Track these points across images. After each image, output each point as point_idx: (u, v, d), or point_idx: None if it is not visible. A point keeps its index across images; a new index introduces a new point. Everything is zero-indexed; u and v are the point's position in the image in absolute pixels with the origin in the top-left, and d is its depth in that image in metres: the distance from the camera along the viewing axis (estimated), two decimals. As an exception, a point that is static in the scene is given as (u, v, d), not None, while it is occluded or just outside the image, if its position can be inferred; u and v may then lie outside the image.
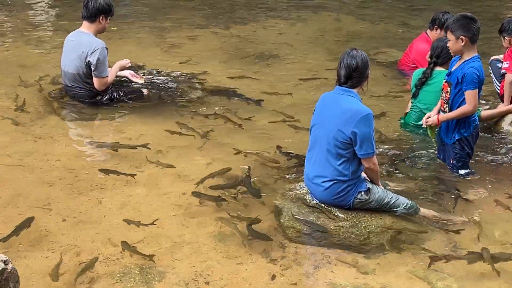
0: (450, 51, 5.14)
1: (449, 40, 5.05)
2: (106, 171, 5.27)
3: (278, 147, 5.82)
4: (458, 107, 5.08)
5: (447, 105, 5.18)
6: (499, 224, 4.77)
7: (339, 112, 4.38)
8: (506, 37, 6.56)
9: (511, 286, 4.06)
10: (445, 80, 5.23)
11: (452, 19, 5.08)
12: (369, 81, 4.52)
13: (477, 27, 4.98)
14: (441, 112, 5.28)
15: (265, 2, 12.09)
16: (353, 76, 4.37)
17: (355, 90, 4.44)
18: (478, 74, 4.94)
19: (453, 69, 5.15)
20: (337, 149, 4.38)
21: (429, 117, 5.31)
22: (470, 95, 4.97)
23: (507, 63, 6.49)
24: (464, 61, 5.03)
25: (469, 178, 5.29)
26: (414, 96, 6.07)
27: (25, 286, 3.63)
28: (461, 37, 4.94)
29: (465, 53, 5.02)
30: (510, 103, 6.43)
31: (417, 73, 6.15)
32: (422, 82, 5.97)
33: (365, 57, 4.39)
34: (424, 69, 6.09)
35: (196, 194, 4.93)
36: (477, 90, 4.99)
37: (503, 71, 6.57)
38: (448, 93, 5.15)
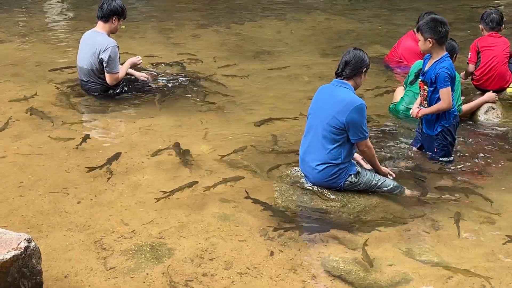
0: (420, 50, 5.15)
1: (419, 41, 5.05)
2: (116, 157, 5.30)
3: (274, 136, 5.84)
4: (434, 102, 5.09)
5: (426, 101, 5.20)
6: (475, 202, 4.80)
7: (335, 101, 4.45)
8: (480, 26, 6.55)
9: (485, 255, 4.09)
10: (420, 80, 5.22)
11: (423, 21, 5.04)
12: (364, 79, 4.63)
13: (445, 30, 4.96)
14: (421, 107, 5.29)
15: (262, 4, 12.05)
16: (346, 68, 4.48)
17: (350, 83, 4.50)
18: (449, 73, 4.94)
19: (425, 68, 5.14)
20: (332, 135, 4.42)
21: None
22: (443, 92, 4.98)
23: (470, 54, 6.52)
24: (435, 61, 5.03)
25: (446, 165, 5.29)
26: (411, 83, 6.04)
27: (45, 261, 3.64)
28: (428, 39, 4.94)
29: (434, 53, 5.02)
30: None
31: (419, 64, 6.05)
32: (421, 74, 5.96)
33: (361, 55, 4.52)
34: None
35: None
36: (449, 87, 4.98)
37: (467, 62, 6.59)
38: (425, 91, 5.16)
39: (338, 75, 4.56)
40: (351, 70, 4.49)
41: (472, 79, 6.61)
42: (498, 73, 6.54)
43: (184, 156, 5.36)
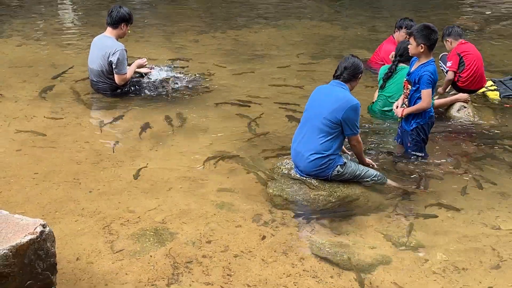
0: (409, 53, 5.14)
1: (410, 44, 5.03)
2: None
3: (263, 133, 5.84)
4: (414, 101, 5.08)
5: (407, 99, 5.20)
6: (447, 192, 4.82)
7: (334, 98, 4.51)
8: (448, 39, 6.57)
9: (457, 240, 4.11)
10: (406, 79, 5.23)
11: (417, 28, 5.00)
12: (358, 83, 4.73)
13: (436, 38, 4.97)
14: (403, 105, 5.29)
15: (256, 11, 12.02)
16: (344, 73, 4.57)
17: (347, 85, 4.59)
18: (432, 76, 4.93)
19: (412, 69, 5.14)
20: (327, 128, 4.46)
21: (397, 107, 5.32)
22: (424, 93, 4.97)
23: (450, 62, 6.51)
24: (421, 64, 5.02)
25: (422, 159, 5.29)
26: (382, 87, 6.08)
27: (59, 244, 3.63)
28: (421, 44, 4.93)
29: (422, 57, 5.01)
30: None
31: (384, 69, 6.15)
32: (388, 76, 5.99)
33: (358, 63, 4.63)
34: (389, 65, 6.10)
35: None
36: (430, 89, 4.98)
37: (447, 69, 6.58)
38: (408, 90, 5.16)
39: (336, 77, 4.63)
40: (348, 75, 4.58)
41: (456, 82, 6.57)
42: (480, 74, 6.57)
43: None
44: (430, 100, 5.03)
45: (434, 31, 4.95)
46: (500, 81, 7.12)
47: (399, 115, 5.21)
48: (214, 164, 5.13)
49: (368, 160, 4.85)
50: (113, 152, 5.35)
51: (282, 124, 6.06)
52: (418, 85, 5.00)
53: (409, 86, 5.13)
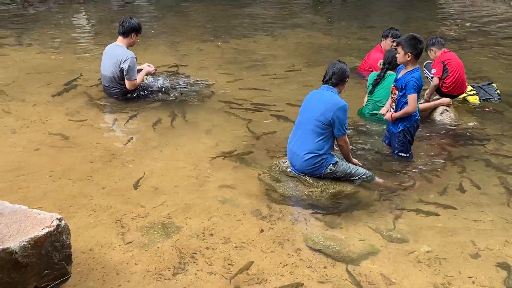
0: (397, 61, 5.12)
1: (398, 53, 5.02)
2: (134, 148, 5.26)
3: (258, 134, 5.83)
4: (401, 105, 5.08)
5: (394, 103, 5.20)
6: (431, 189, 4.81)
7: (323, 101, 4.51)
8: (432, 49, 6.57)
9: (438, 233, 4.10)
10: (393, 85, 5.22)
11: (404, 38, 4.98)
12: (346, 87, 4.71)
13: (422, 47, 4.98)
14: (391, 109, 5.29)
15: (255, 22, 12.02)
16: (332, 78, 4.57)
17: (336, 89, 4.58)
18: (418, 82, 4.94)
19: (399, 76, 5.14)
20: (319, 129, 4.46)
21: (387, 111, 5.30)
22: (410, 98, 4.98)
23: (435, 69, 6.51)
24: (408, 71, 5.01)
25: (408, 159, 5.28)
26: (371, 93, 6.07)
27: (74, 237, 3.62)
28: (408, 53, 4.93)
29: (409, 65, 5.00)
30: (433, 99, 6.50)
31: (373, 75, 6.14)
32: (377, 82, 5.98)
33: (345, 68, 4.62)
34: (378, 72, 6.10)
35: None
36: (416, 94, 4.98)
37: (431, 75, 6.58)
38: (395, 95, 5.15)
39: (325, 82, 4.62)
40: (336, 79, 4.58)
41: (441, 87, 6.57)
42: (462, 80, 6.58)
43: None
44: (415, 105, 5.03)
45: (420, 41, 4.95)
46: (479, 86, 7.13)
47: (389, 119, 5.20)
48: (216, 163, 5.12)
49: (354, 160, 4.83)
50: (128, 142, 5.46)
51: (278, 126, 6.05)
52: (404, 91, 4.99)
53: (396, 92, 5.12)
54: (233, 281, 3.49)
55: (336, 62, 4.67)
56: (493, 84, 7.19)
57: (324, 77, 4.63)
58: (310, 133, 4.51)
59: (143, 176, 4.63)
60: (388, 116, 5.19)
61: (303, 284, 3.50)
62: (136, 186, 4.61)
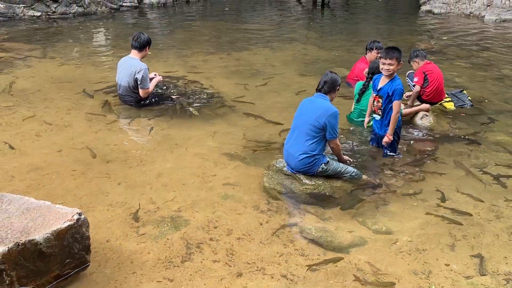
0: (387, 70, 5.01)
1: (392, 65, 4.96)
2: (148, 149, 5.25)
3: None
4: (387, 111, 5.10)
5: (380, 110, 5.19)
6: (412, 184, 4.81)
7: (317, 108, 4.53)
8: (415, 60, 6.58)
9: (419, 225, 4.09)
10: (376, 94, 5.20)
11: (396, 51, 4.98)
12: (337, 94, 4.74)
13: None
14: (374, 114, 5.28)
15: (255, 37, 12.01)
16: (324, 86, 4.60)
17: (328, 96, 4.61)
18: (403, 90, 5.02)
19: (380, 85, 5.12)
20: (312, 132, 4.48)
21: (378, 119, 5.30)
22: (396, 104, 5.03)
23: (416, 78, 6.52)
24: (390, 80, 5.02)
25: (395, 157, 5.28)
26: (358, 101, 6.05)
27: (92, 229, 3.62)
28: (400, 62, 4.99)
29: (392, 74, 5.03)
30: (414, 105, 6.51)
31: (359, 85, 6.14)
32: (363, 91, 5.96)
33: (335, 77, 4.64)
34: (363, 82, 6.08)
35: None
36: (401, 100, 5.03)
37: (413, 83, 6.59)
38: (379, 103, 5.16)
39: (318, 90, 4.64)
40: (328, 88, 4.60)
41: (422, 95, 6.57)
42: (441, 89, 6.59)
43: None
44: (399, 109, 5.08)
45: (400, 50, 5.06)
46: (452, 93, 7.10)
47: (388, 142, 5.15)
48: (220, 163, 5.11)
49: (345, 157, 4.85)
50: (141, 144, 5.47)
51: (277, 130, 6.04)
52: (390, 98, 5.00)
53: (380, 100, 5.12)
54: (235, 268, 3.49)
55: (328, 72, 4.70)
56: (464, 92, 7.20)
57: (318, 85, 4.66)
58: (304, 136, 4.51)
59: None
60: (386, 140, 5.16)
61: (394, 283, 3.42)
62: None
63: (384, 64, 5.01)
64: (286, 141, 4.73)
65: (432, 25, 14.35)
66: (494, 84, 8.22)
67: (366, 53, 7.26)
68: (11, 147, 5.26)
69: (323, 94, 4.61)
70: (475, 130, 6.22)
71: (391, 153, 5.27)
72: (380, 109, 5.18)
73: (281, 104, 6.97)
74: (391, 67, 4.99)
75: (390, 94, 5.00)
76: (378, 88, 5.15)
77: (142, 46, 6.39)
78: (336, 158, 4.84)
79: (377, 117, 5.26)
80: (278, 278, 3.42)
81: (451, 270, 3.57)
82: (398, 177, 4.93)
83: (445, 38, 12.13)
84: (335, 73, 4.68)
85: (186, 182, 4.70)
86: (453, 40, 11.82)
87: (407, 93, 6.65)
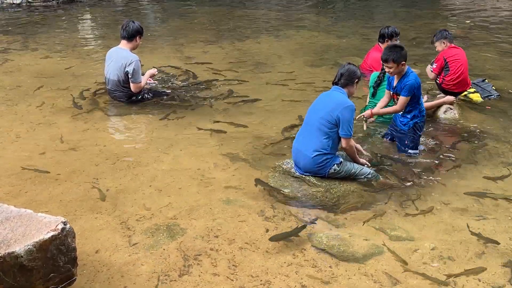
0: (388, 73, 5.12)
1: (390, 67, 5.02)
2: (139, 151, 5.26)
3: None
4: (408, 109, 5.16)
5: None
6: (435, 187, 4.78)
7: (330, 101, 4.56)
8: (443, 41, 6.55)
9: (444, 231, 4.07)
10: (393, 93, 5.27)
11: (393, 54, 4.98)
12: (357, 88, 4.76)
13: (406, 50, 5.07)
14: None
15: (259, 24, 12.01)
16: (341, 79, 4.61)
17: (345, 90, 4.61)
18: (416, 85, 5.04)
19: (395, 83, 5.18)
20: (325, 128, 4.48)
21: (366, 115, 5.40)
22: (402, 100, 5.09)
23: (435, 65, 6.53)
24: (402, 76, 5.07)
25: (414, 155, 5.26)
26: (373, 95, 6.03)
27: (79, 239, 3.62)
28: (402, 62, 5.00)
29: (402, 71, 5.08)
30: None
31: (374, 76, 6.11)
32: (378, 83, 5.95)
33: (353, 69, 4.66)
34: (378, 73, 6.06)
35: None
36: (409, 97, 5.06)
37: (431, 69, 6.60)
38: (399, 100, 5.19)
39: (335, 83, 4.66)
40: (345, 80, 4.61)
41: (441, 84, 6.58)
42: (463, 79, 6.57)
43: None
44: (404, 106, 5.15)
45: (403, 46, 5.08)
46: (474, 83, 7.03)
47: (369, 116, 5.33)
48: (220, 164, 5.11)
49: (362, 160, 4.83)
50: (133, 145, 5.49)
51: (281, 126, 6.03)
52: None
53: (399, 97, 5.16)
54: (238, 282, 3.48)
55: (345, 64, 4.73)
56: (486, 80, 7.17)
57: (334, 78, 4.69)
58: (316, 132, 4.53)
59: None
60: (368, 113, 5.29)
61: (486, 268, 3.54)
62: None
63: (385, 66, 5.12)
64: (296, 138, 4.73)
65: (457, 7, 14.28)
66: (527, 73, 8.18)
67: (385, 42, 7.21)
68: (-11, 150, 5.29)
69: (340, 87, 4.62)
70: (505, 125, 6.17)
71: (412, 151, 5.25)
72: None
73: (287, 98, 6.96)
74: (391, 70, 5.05)
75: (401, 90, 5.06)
76: (394, 85, 5.19)
77: (131, 35, 6.38)
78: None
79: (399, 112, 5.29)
80: (286, 292, 3.41)
81: (479, 280, 3.55)
82: (419, 178, 4.89)
83: (468, 22, 12.07)
84: (354, 65, 4.70)
85: (183, 186, 4.70)
86: (480, 24, 11.76)
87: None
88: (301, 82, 7.62)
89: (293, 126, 5.92)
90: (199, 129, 5.94)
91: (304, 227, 4.00)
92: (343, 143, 4.58)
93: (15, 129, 5.80)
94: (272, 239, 3.88)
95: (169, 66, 8.18)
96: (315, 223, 4.13)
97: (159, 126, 6.01)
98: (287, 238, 3.90)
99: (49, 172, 4.85)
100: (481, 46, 9.81)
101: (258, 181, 4.60)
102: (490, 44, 9.95)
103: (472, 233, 4.04)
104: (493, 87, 7.04)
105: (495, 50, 9.54)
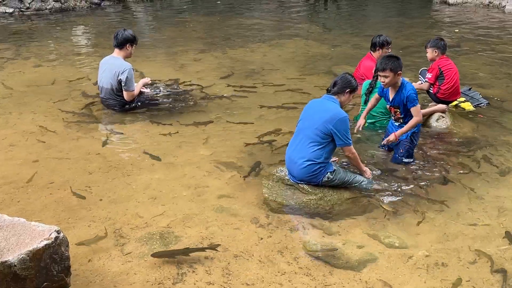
0: (383, 83, 5.05)
1: (387, 77, 4.95)
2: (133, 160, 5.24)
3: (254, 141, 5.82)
4: (408, 118, 5.13)
5: (401, 119, 5.23)
6: (428, 195, 4.80)
7: (324, 111, 4.53)
8: (436, 50, 6.55)
9: (437, 239, 4.09)
10: (390, 106, 5.23)
11: (391, 63, 4.94)
12: (350, 99, 4.73)
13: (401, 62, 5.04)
14: (394, 122, 5.32)
15: (252, 32, 12.06)
16: (335, 87, 4.62)
17: (337, 99, 4.60)
18: (415, 93, 5.02)
19: (391, 97, 5.15)
20: (318, 138, 4.48)
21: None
22: (415, 110, 5.04)
23: (430, 75, 6.55)
24: (399, 87, 5.05)
25: (407, 164, 5.28)
26: (365, 102, 6.05)
27: (72, 248, 3.61)
28: (399, 72, 4.96)
29: (398, 82, 5.05)
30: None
31: (365, 84, 6.15)
32: (370, 91, 5.97)
33: (348, 79, 4.64)
34: (370, 81, 6.09)
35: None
36: (419, 105, 5.07)
37: (425, 79, 6.64)
38: (397, 113, 5.19)
39: (328, 91, 4.66)
40: (338, 88, 4.61)
41: (436, 93, 6.60)
42: (457, 87, 6.61)
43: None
44: (420, 113, 5.12)
45: (399, 57, 5.01)
46: (462, 92, 7.06)
47: (395, 140, 5.18)
48: (214, 172, 5.11)
49: (365, 168, 4.84)
50: (126, 153, 5.35)
51: (275, 134, 6.04)
52: (407, 106, 5.03)
53: (397, 110, 5.16)
54: (232, 290, 3.47)
55: (343, 73, 4.74)
56: (471, 89, 7.23)
57: (329, 86, 4.70)
58: (309, 141, 4.52)
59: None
60: (392, 137, 5.17)
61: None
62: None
63: (380, 76, 5.02)
64: (289, 146, 4.74)
65: (448, 17, 14.42)
66: (516, 81, 8.26)
67: (376, 51, 7.25)
68: (-18, 158, 5.26)
69: (332, 96, 4.62)
70: (497, 133, 6.22)
71: (407, 159, 5.27)
72: (401, 118, 5.22)
73: (280, 105, 6.97)
74: (386, 80, 4.98)
75: (405, 103, 5.04)
76: (391, 99, 5.17)
77: (121, 43, 6.39)
78: (346, 165, 4.83)
79: (396, 123, 5.29)
80: (280, 300, 3.41)
81: (474, 287, 3.57)
82: (412, 186, 4.92)
83: (457, 30, 12.18)
84: (351, 75, 4.70)
85: (177, 195, 4.69)
86: (472, 33, 11.88)
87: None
88: (293, 89, 7.64)
89: (284, 133, 5.94)
90: (193, 137, 5.94)
91: (188, 249, 3.81)
92: (345, 151, 4.62)
93: (8, 138, 5.78)
94: (154, 255, 3.73)
95: (163, 81, 8.17)
96: (217, 250, 3.88)
97: (153, 134, 6.00)
98: (172, 256, 3.76)
99: (42, 181, 4.82)
100: (472, 54, 9.90)
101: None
102: (481, 53, 10.05)
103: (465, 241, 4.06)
104: (480, 95, 7.10)
105: (483, 58, 9.63)
